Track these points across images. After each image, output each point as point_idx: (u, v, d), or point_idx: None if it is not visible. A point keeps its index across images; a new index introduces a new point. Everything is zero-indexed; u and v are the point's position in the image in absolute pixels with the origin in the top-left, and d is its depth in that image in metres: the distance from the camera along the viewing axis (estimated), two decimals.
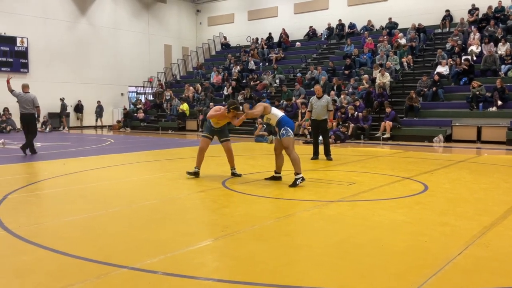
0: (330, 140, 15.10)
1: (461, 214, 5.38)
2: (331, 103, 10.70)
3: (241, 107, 7.77)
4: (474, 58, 18.21)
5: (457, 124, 15.66)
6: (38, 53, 24.07)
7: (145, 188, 7.23)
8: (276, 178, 7.57)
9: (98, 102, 25.91)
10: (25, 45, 23.57)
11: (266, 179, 7.62)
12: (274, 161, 7.63)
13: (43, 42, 24.25)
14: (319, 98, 10.45)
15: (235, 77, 23.60)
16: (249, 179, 7.79)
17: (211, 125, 7.95)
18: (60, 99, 24.33)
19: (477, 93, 16.00)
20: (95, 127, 26.05)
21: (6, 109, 22.36)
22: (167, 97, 24.77)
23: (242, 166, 8.51)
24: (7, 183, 7.47)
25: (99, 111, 25.98)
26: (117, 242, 4.34)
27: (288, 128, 7.19)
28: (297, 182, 6.95)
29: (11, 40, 23.11)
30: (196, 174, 7.89)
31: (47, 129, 22.57)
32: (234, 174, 8.03)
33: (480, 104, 15.94)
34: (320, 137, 10.78)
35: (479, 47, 18.58)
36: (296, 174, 7.02)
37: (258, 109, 7.40)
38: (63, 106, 24.44)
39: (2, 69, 22.82)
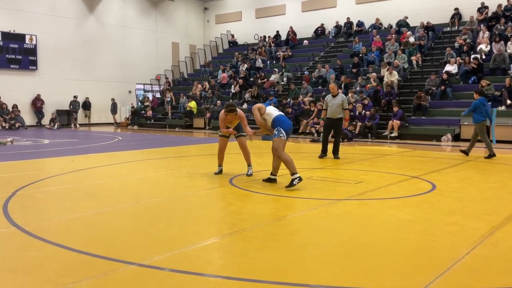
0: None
1: (469, 213, 5.35)
2: (347, 101, 10.60)
3: (238, 110, 7.66)
4: (483, 57, 18.09)
5: (465, 123, 15.54)
6: (47, 50, 24.21)
7: (152, 185, 7.25)
8: (271, 180, 7.28)
9: (112, 99, 25.97)
10: (34, 42, 23.71)
11: (263, 180, 7.37)
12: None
13: (52, 39, 24.38)
14: (334, 96, 10.40)
15: (242, 75, 23.60)
16: (255, 177, 7.78)
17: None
18: (74, 96, 24.65)
19: (486, 92, 15.88)
20: (115, 123, 26.06)
21: (15, 106, 22.53)
22: (168, 99, 24.79)
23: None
24: (16, 180, 7.53)
25: (113, 108, 26.04)
26: (125, 239, 4.37)
27: (281, 129, 6.89)
28: (294, 183, 6.60)
29: (20, 38, 23.26)
30: (220, 172, 8.08)
31: (55, 126, 22.70)
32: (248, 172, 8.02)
33: (489, 103, 15.81)
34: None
35: (488, 46, 18.44)
36: (292, 174, 6.66)
37: (257, 116, 7.17)
38: (76, 104, 24.70)
39: (11, 66, 23.01)
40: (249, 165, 8.07)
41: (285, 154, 6.87)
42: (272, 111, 7.16)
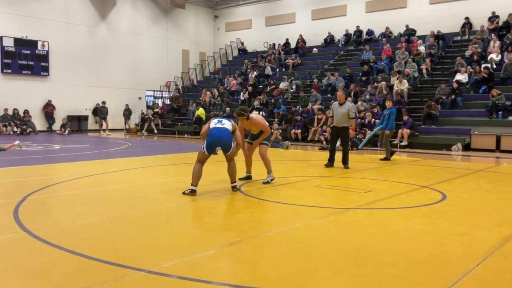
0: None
1: (480, 224, 5.30)
2: (353, 111, 10.44)
3: (251, 115, 7.83)
4: (494, 66, 17.98)
5: (476, 132, 15.46)
6: (59, 56, 24.47)
7: (162, 191, 7.26)
8: (247, 177, 7.86)
9: (126, 105, 26.03)
10: (46, 48, 23.98)
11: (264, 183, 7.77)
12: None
13: (64, 46, 24.64)
14: (341, 104, 10.25)
15: (251, 83, 23.66)
16: (264, 185, 7.78)
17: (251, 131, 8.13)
18: (102, 102, 24.88)
19: (497, 101, 15.78)
20: (125, 129, 26.18)
21: (26, 111, 22.75)
22: (152, 117, 24.87)
23: (256, 171, 8.52)
24: (27, 185, 7.59)
25: (128, 114, 26.14)
26: (134, 245, 4.38)
27: (205, 142, 6.94)
28: (186, 192, 6.76)
29: (33, 44, 23.54)
30: (248, 178, 8.17)
31: (66, 131, 22.87)
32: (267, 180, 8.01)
33: (500, 112, 15.71)
34: (338, 144, 10.67)
35: (499, 55, 18.35)
36: (191, 184, 6.81)
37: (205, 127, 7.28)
38: (105, 109, 24.96)
39: (23, 72, 23.27)
40: (269, 171, 8.07)
41: (196, 165, 6.89)
42: (212, 124, 7.09)
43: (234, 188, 7.14)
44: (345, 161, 10.31)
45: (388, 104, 12.26)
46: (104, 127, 24.53)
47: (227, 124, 7.06)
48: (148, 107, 26.05)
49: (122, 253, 4.08)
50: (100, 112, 24.92)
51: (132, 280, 3.46)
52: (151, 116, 24.97)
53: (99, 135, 23.16)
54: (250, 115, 7.90)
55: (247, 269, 3.77)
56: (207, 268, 3.74)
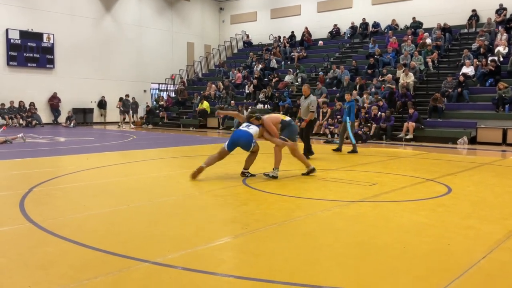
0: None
1: (486, 217, 5.28)
2: (313, 104, 10.53)
3: (260, 115, 8.01)
4: (501, 59, 17.83)
5: (482, 126, 15.37)
6: (64, 49, 24.50)
7: (167, 184, 7.29)
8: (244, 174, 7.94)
9: (133, 98, 25.86)
10: (51, 41, 24.00)
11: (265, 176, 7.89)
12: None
13: (69, 38, 24.66)
14: (305, 98, 10.67)
15: (256, 76, 23.60)
16: (268, 178, 7.76)
17: None
18: (126, 95, 24.68)
19: (503, 94, 15.67)
20: (132, 122, 26.11)
21: (32, 104, 22.83)
22: (121, 108, 24.49)
23: (262, 164, 8.52)
24: (33, 176, 7.63)
25: (135, 108, 26.01)
26: (139, 236, 4.40)
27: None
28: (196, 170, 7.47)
29: (38, 36, 23.57)
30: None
31: (72, 124, 22.95)
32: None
33: (506, 106, 15.60)
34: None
35: (506, 48, 18.19)
36: (203, 163, 7.57)
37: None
38: (128, 103, 24.76)
39: (29, 64, 23.32)
40: (274, 168, 7.93)
41: (215, 154, 7.82)
42: (240, 126, 8.00)
43: (243, 174, 7.81)
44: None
45: (347, 97, 12.24)
46: (127, 119, 24.40)
47: (253, 129, 7.75)
48: (120, 99, 25.45)
49: (127, 245, 4.10)
50: (124, 105, 24.77)
51: (137, 271, 3.47)
52: (120, 107, 24.42)
53: (124, 128, 22.97)
54: (263, 116, 8.08)
55: (252, 261, 3.78)
56: (212, 259, 3.76)
